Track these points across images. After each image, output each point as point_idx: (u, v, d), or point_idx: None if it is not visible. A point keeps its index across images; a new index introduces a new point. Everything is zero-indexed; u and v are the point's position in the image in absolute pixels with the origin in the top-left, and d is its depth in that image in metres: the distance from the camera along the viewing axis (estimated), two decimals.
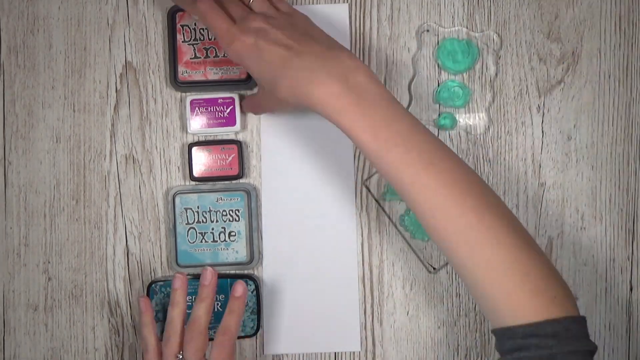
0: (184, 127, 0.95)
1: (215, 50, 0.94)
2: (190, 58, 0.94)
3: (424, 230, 0.86)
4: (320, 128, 0.95)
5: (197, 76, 0.94)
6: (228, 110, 0.94)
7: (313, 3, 0.96)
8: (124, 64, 0.96)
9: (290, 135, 0.96)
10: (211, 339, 0.92)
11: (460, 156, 0.95)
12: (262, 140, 0.96)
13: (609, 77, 0.95)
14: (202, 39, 0.94)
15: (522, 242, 0.75)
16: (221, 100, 0.94)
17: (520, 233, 0.76)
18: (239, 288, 0.90)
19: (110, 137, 0.96)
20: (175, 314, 0.88)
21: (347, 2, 0.96)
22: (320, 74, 0.76)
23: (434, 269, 0.94)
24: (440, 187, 0.75)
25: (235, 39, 0.80)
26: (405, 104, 0.96)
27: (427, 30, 0.95)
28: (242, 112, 0.94)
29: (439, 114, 0.95)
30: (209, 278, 0.90)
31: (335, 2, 0.96)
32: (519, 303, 0.74)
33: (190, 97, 0.94)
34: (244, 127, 0.96)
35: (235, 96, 0.94)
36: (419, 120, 0.78)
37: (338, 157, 0.95)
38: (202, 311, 0.88)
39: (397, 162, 0.75)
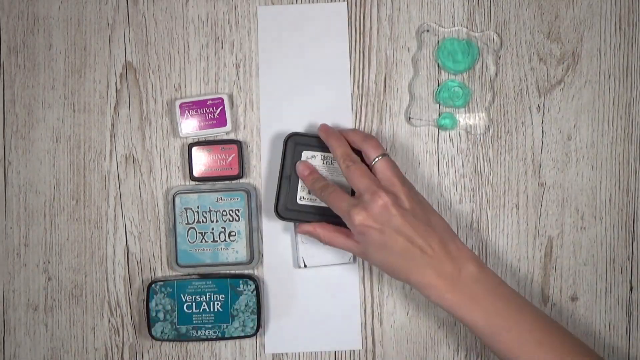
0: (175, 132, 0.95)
1: None
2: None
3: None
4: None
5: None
6: (218, 111, 0.94)
7: (312, 2, 0.96)
8: (124, 64, 0.96)
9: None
10: (212, 339, 0.92)
11: (460, 156, 0.95)
12: (262, 140, 0.96)
13: (609, 77, 0.95)
14: None
15: None
16: (210, 101, 0.94)
17: None
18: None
19: (110, 137, 0.96)
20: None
21: (345, 0, 0.96)
22: (435, 272, 0.83)
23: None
24: None
25: (360, 217, 0.84)
26: (405, 104, 0.96)
27: (427, 30, 0.95)
28: (297, 232, 0.93)
29: (439, 114, 0.95)
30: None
31: (333, 0, 0.96)
32: None
33: (179, 100, 0.94)
34: (235, 127, 0.96)
35: (224, 96, 0.94)
36: (524, 298, 0.85)
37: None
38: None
39: (510, 344, 0.82)
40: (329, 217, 0.90)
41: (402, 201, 0.84)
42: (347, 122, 0.95)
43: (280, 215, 0.92)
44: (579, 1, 0.95)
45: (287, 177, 0.92)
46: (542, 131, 0.95)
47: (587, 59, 0.95)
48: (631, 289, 0.95)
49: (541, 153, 0.95)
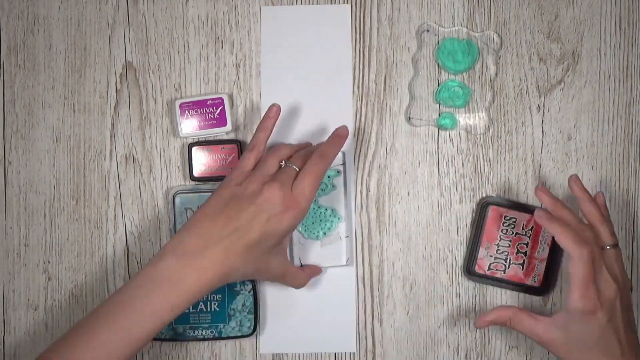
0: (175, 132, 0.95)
1: None
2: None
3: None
4: (319, 127, 0.95)
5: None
6: (218, 111, 0.94)
7: (316, 3, 0.96)
8: (124, 64, 0.96)
9: (292, 135, 0.96)
10: (209, 339, 0.92)
11: (460, 156, 0.95)
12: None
13: (609, 77, 0.95)
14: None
15: None
16: (210, 101, 0.94)
17: None
18: (343, 131, 0.90)
19: (110, 137, 0.96)
20: (262, 135, 0.89)
21: (349, 2, 0.96)
22: None
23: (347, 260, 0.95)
24: None
25: (591, 302, 0.82)
26: (405, 104, 0.96)
27: (427, 30, 0.95)
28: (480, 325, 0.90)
29: (439, 114, 0.95)
30: (274, 111, 0.89)
31: (337, 2, 0.96)
32: None
33: (179, 100, 0.94)
34: (235, 127, 0.96)
35: (225, 96, 0.94)
36: None
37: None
38: (262, 138, 0.89)
39: None
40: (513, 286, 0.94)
41: (625, 297, 0.84)
42: (348, 122, 0.95)
43: (470, 277, 0.94)
44: (579, 1, 0.95)
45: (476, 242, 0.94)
46: (542, 131, 0.95)
47: (587, 59, 0.95)
48: (631, 289, 0.95)
49: (541, 153, 0.95)
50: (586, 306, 0.82)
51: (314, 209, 0.94)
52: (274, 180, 0.84)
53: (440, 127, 0.95)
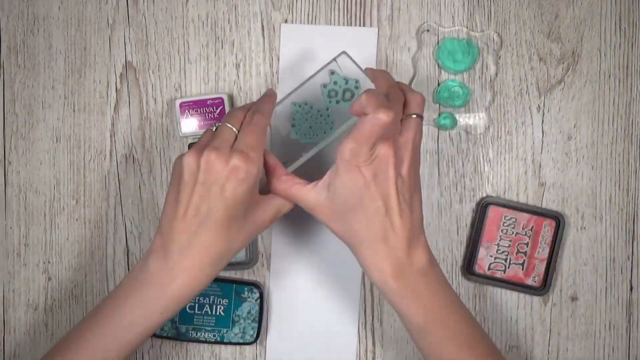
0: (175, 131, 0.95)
1: None
2: None
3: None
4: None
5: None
6: (218, 110, 0.94)
7: (343, 24, 0.96)
8: (124, 64, 0.96)
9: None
10: (211, 342, 0.92)
11: (460, 156, 0.95)
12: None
13: (609, 77, 0.95)
14: None
15: None
16: (210, 101, 0.94)
17: None
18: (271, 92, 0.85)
19: (110, 137, 0.96)
20: (238, 113, 0.82)
21: (377, 26, 0.95)
22: (390, 257, 0.78)
23: None
24: None
25: (363, 156, 0.76)
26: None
27: (427, 30, 0.95)
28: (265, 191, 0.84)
29: (439, 114, 0.95)
30: (270, 94, 0.84)
31: (363, 25, 0.96)
32: None
33: (179, 100, 0.94)
34: None
35: (224, 96, 0.94)
36: (461, 301, 0.83)
37: None
38: (238, 114, 0.82)
39: (442, 343, 0.80)
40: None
41: (403, 168, 0.78)
42: None
43: None
44: (579, 1, 0.95)
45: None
46: (542, 131, 0.95)
47: (587, 59, 0.95)
48: (631, 289, 0.95)
49: (541, 153, 0.95)
50: (352, 158, 0.75)
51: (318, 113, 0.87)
52: (209, 147, 0.78)
53: (440, 127, 0.95)
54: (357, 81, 0.86)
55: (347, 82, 0.86)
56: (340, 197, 0.78)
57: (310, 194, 0.81)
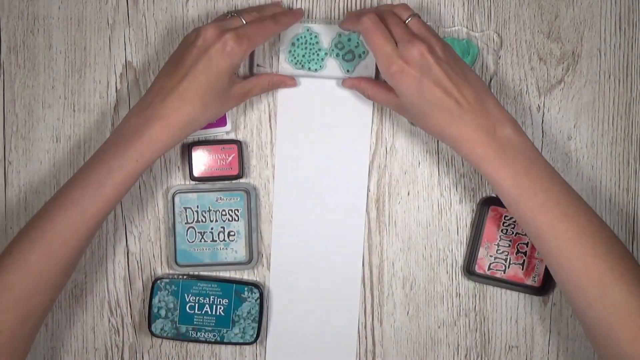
0: None
1: None
2: None
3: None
4: (336, 124, 0.95)
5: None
6: None
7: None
8: (124, 64, 0.96)
9: (303, 136, 0.96)
10: (211, 342, 0.93)
11: (461, 156, 0.95)
12: (277, 140, 0.96)
13: (609, 77, 0.95)
14: None
15: None
16: None
17: None
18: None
19: None
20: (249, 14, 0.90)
21: None
22: (470, 125, 0.82)
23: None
24: (575, 235, 0.81)
25: (396, 65, 0.83)
26: None
27: None
28: (345, 86, 0.94)
29: None
30: (297, 12, 0.93)
31: None
32: None
33: None
34: (235, 127, 0.96)
35: None
36: (556, 170, 0.84)
37: (351, 162, 0.95)
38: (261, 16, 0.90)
39: (535, 211, 0.81)
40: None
41: (437, 52, 0.83)
42: (366, 128, 0.95)
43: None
44: (579, 1, 0.95)
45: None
46: (542, 131, 0.95)
47: (587, 59, 0.95)
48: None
49: (541, 153, 0.95)
50: (392, 68, 0.83)
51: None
52: (213, 24, 0.86)
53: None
54: (365, 52, 0.94)
55: (357, 46, 0.94)
56: (410, 104, 0.84)
57: (394, 101, 0.87)
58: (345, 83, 0.93)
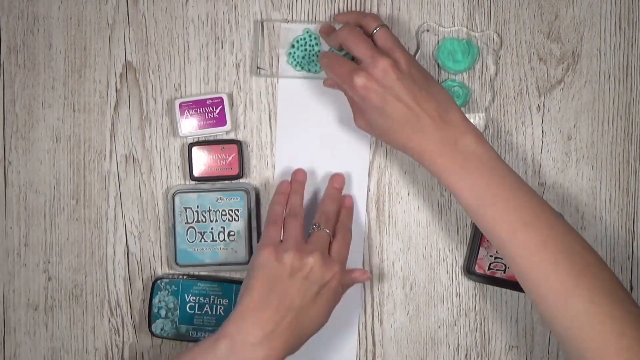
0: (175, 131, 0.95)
1: None
2: None
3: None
4: (336, 124, 0.95)
5: None
6: (217, 110, 0.94)
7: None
8: (124, 63, 0.96)
9: (303, 136, 0.96)
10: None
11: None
12: (277, 140, 0.96)
13: (609, 77, 0.95)
14: None
15: (618, 302, 0.77)
16: (210, 100, 0.94)
17: (616, 292, 0.78)
18: (338, 179, 0.95)
19: (110, 137, 0.96)
20: (296, 198, 0.92)
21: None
22: (432, 138, 0.83)
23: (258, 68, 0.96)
24: (536, 244, 0.79)
25: (360, 81, 0.83)
26: None
27: (427, 30, 0.95)
28: (325, 85, 0.94)
29: None
30: (302, 175, 0.94)
31: None
32: None
33: (179, 100, 0.94)
34: (235, 126, 0.96)
35: (224, 96, 0.94)
36: (521, 178, 0.83)
37: (351, 162, 0.96)
38: (297, 201, 0.92)
39: (496, 219, 0.81)
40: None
41: (402, 66, 0.84)
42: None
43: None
44: (579, 1, 0.95)
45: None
46: (542, 131, 0.95)
47: (587, 59, 0.95)
48: (631, 289, 0.95)
49: (541, 153, 0.95)
50: (356, 91, 0.84)
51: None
52: (313, 250, 0.85)
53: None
54: None
55: None
56: (373, 120, 0.85)
57: (357, 115, 0.89)
58: (325, 82, 0.93)
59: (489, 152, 0.83)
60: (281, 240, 0.87)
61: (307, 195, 0.95)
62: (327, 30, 0.92)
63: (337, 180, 0.94)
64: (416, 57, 0.95)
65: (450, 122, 0.83)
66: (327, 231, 0.89)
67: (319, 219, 0.90)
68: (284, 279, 0.83)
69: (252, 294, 0.83)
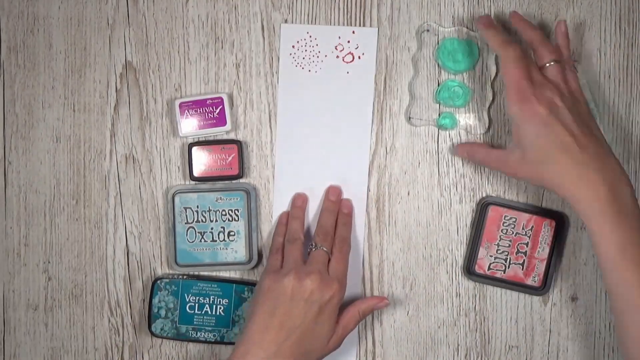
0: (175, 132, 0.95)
1: None
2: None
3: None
4: (336, 124, 0.95)
5: None
6: (217, 110, 0.94)
7: (343, 24, 0.95)
8: (124, 64, 0.96)
9: (303, 136, 0.96)
10: (211, 342, 0.92)
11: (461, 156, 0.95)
12: (277, 140, 0.96)
13: (609, 77, 0.95)
14: None
15: None
16: (210, 101, 0.94)
17: None
18: (334, 190, 0.94)
19: (110, 137, 0.96)
20: (296, 224, 0.93)
21: (377, 26, 0.95)
22: (594, 175, 0.80)
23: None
24: None
25: (528, 101, 0.82)
26: (405, 104, 0.95)
27: (427, 30, 0.95)
28: (457, 154, 0.94)
29: (439, 114, 0.95)
30: (301, 200, 0.94)
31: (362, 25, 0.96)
32: None
33: (179, 100, 0.94)
34: (235, 126, 0.96)
35: (224, 96, 0.94)
36: None
37: (351, 162, 0.96)
38: (296, 226, 0.93)
39: (634, 281, 0.78)
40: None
41: (568, 99, 0.83)
42: (366, 130, 0.95)
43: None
44: (579, 1, 0.95)
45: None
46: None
47: (587, 59, 0.95)
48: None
49: None
50: (523, 103, 0.82)
51: None
52: (311, 272, 0.86)
53: (440, 127, 0.95)
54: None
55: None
56: (531, 145, 0.82)
57: (509, 156, 0.85)
58: (458, 151, 0.93)
59: (639, 207, 0.81)
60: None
61: (308, 195, 0.95)
62: (487, 24, 0.89)
63: (333, 193, 0.94)
64: (416, 57, 0.95)
65: (611, 165, 0.81)
66: (325, 249, 0.90)
67: (317, 237, 0.91)
68: (285, 302, 0.85)
69: (255, 318, 0.85)
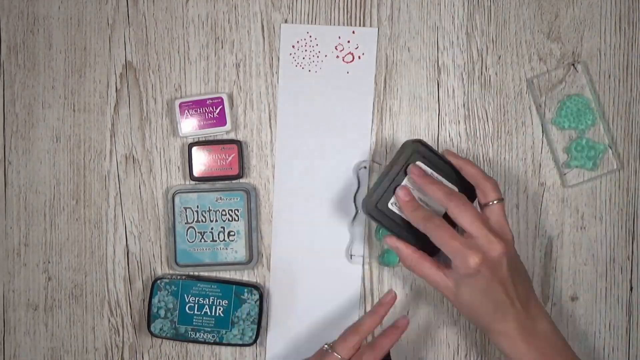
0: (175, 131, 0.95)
1: None
2: None
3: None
4: (336, 124, 0.95)
5: None
6: (217, 110, 0.94)
7: (343, 24, 0.96)
8: (124, 64, 0.96)
9: (303, 136, 0.96)
10: (210, 343, 0.92)
11: (461, 156, 0.95)
12: (277, 140, 0.96)
13: (609, 77, 0.95)
14: None
15: None
16: (210, 101, 0.94)
17: None
18: (402, 323, 0.90)
19: (110, 137, 0.96)
20: (370, 320, 0.88)
21: (377, 26, 0.95)
22: (516, 323, 0.83)
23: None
24: None
25: (474, 263, 0.81)
26: (405, 104, 0.95)
27: (365, 167, 0.95)
28: (406, 266, 0.88)
29: (382, 251, 0.95)
30: (388, 298, 0.89)
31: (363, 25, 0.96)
32: None
33: (179, 100, 0.94)
34: (235, 126, 0.96)
35: (224, 96, 0.94)
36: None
37: (351, 162, 0.96)
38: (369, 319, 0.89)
39: None
40: (412, 235, 0.87)
41: (510, 250, 0.84)
42: (366, 133, 0.95)
43: (367, 210, 0.88)
44: (579, 1, 0.95)
45: (390, 178, 0.88)
46: (542, 131, 0.95)
47: (587, 59, 0.95)
48: (631, 289, 0.95)
49: (541, 153, 0.95)
50: (467, 269, 0.82)
51: None
52: None
53: (382, 264, 0.95)
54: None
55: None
56: (467, 297, 0.84)
57: (439, 278, 0.85)
58: (387, 240, 0.88)
59: (561, 338, 0.85)
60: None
61: (304, 198, 0.95)
62: (455, 157, 0.88)
63: (387, 297, 0.90)
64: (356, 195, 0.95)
65: (531, 308, 0.84)
66: (339, 356, 0.86)
67: (342, 338, 0.88)
68: None
69: None
